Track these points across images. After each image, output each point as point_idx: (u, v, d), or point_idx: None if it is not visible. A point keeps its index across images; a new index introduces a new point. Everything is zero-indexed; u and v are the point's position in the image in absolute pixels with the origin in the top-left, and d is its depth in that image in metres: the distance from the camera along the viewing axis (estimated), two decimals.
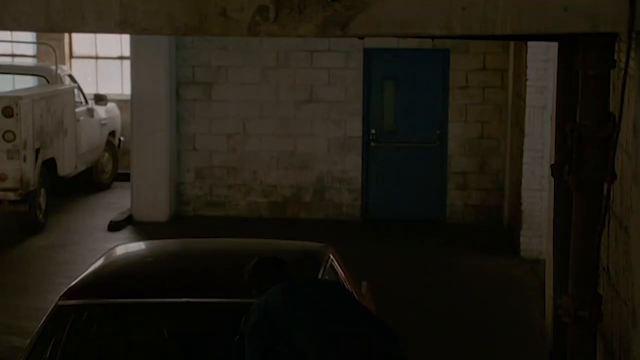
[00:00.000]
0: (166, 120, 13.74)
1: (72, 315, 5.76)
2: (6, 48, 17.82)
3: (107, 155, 16.16)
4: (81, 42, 18.03)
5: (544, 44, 10.22)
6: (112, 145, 16.36)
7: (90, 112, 15.35)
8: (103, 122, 15.84)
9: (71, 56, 18.10)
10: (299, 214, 14.01)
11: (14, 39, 17.30)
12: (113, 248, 6.86)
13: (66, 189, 14.91)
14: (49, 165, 13.30)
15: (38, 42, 17.22)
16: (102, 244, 12.02)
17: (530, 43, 11.02)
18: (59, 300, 5.72)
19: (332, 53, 13.76)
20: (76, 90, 14.82)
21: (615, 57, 4.77)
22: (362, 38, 5.29)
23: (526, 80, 11.60)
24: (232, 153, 14.04)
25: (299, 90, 13.84)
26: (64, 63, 17.12)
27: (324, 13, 4.51)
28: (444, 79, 13.72)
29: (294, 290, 4.79)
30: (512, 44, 13.00)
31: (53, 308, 5.70)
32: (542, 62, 11.39)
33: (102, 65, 18.14)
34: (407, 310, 9.81)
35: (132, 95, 13.92)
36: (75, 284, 5.90)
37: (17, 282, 10.95)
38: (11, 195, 12.22)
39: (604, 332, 5.76)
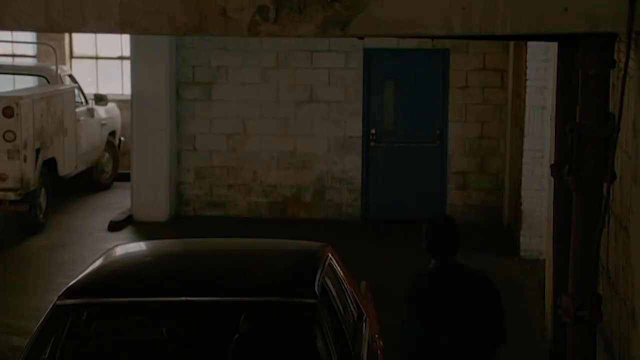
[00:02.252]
0: (166, 120, 13.75)
1: (71, 315, 5.77)
2: (7, 48, 17.82)
3: (107, 155, 16.17)
4: (81, 42, 18.04)
5: (543, 44, 10.22)
6: (113, 145, 16.36)
7: (91, 112, 15.35)
8: (103, 122, 15.84)
9: (71, 56, 18.11)
10: (299, 214, 14.01)
11: (15, 39, 17.31)
12: (112, 248, 6.87)
13: (66, 189, 14.91)
14: (49, 165, 13.30)
15: (38, 42, 17.23)
16: (102, 244, 12.02)
17: (530, 43, 11.02)
18: (57, 299, 5.72)
19: (332, 53, 13.76)
20: (76, 90, 14.82)
21: (615, 57, 4.77)
22: (362, 38, 5.29)
23: (526, 80, 11.60)
24: (232, 153, 14.05)
25: (299, 90, 13.85)
26: (64, 63, 17.12)
27: (324, 13, 4.51)
28: (443, 79, 13.72)
29: (438, 281, 5.69)
30: (512, 44, 13.00)
31: (52, 307, 5.70)
32: (542, 62, 11.39)
33: (103, 65, 18.15)
34: None
35: (132, 95, 13.93)
36: (74, 283, 5.90)
37: (18, 282, 10.96)
38: (11, 195, 12.23)
39: (604, 332, 5.76)
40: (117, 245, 7.30)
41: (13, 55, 18.05)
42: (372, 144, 13.90)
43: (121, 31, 4.76)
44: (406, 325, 5.59)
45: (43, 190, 13.12)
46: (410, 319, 5.58)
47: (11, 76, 14.89)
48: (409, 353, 5.54)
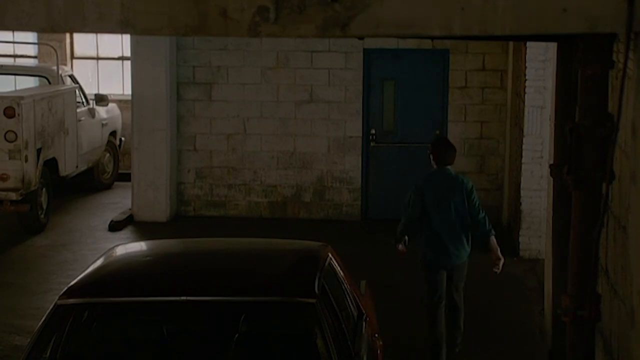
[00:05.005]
0: (167, 121, 13.77)
1: (72, 314, 5.79)
2: (8, 49, 17.84)
3: (108, 155, 16.20)
4: (82, 42, 18.07)
5: (543, 44, 10.24)
6: (113, 145, 16.39)
7: (91, 112, 15.38)
8: (104, 122, 15.87)
9: (72, 57, 18.13)
10: (299, 214, 14.03)
11: (16, 40, 17.33)
12: (113, 248, 6.88)
13: (67, 188, 14.94)
14: (51, 165, 13.32)
15: (39, 43, 17.25)
16: (102, 243, 12.05)
17: (529, 43, 11.04)
18: (58, 299, 5.74)
19: (332, 53, 13.78)
20: (77, 91, 14.84)
21: (614, 57, 4.79)
22: (362, 38, 5.30)
23: (525, 80, 11.62)
24: (232, 153, 14.07)
25: (299, 90, 13.87)
26: (65, 63, 17.15)
27: (324, 13, 4.52)
28: (443, 79, 13.74)
29: (433, 179, 8.33)
30: (511, 44, 13.02)
31: (53, 307, 5.72)
32: (541, 62, 11.41)
33: (103, 65, 18.17)
34: (407, 309, 9.83)
35: (132, 95, 13.95)
36: (75, 283, 5.92)
37: (19, 281, 10.98)
38: (13, 195, 12.24)
39: (603, 331, 5.78)
40: (117, 245, 7.32)
41: (14, 56, 18.07)
42: (372, 144, 13.92)
43: (122, 31, 4.78)
44: (407, 207, 8.37)
45: (44, 190, 13.15)
46: (411, 203, 8.31)
47: (12, 76, 14.91)
48: (405, 228, 8.35)
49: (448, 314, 8.54)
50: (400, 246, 8.41)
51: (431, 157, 8.36)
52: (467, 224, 8.29)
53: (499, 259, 8.37)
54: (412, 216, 8.29)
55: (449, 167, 8.33)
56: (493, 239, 8.37)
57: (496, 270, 8.47)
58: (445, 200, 8.23)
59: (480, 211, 8.30)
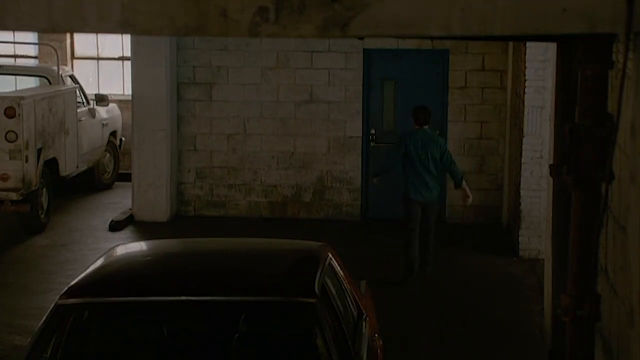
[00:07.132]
0: (167, 121, 13.78)
1: (73, 314, 5.80)
2: (8, 49, 17.85)
3: (108, 155, 16.21)
4: (83, 42, 18.08)
5: (542, 44, 10.25)
6: (114, 145, 16.40)
7: (92, 112, 15.39)
8: (104, 122, 15.88)
9: (73, 57, 18.13)
10: (299, 214, 14.04)
11: (16, 40, 17.34)
12: (113, 247, 6.89)
13: (68, 188, 14.94)
14: (51, 165, 13.33)
15: (40, 43, 17.26)
16: (103, 243, 12.06)
17: (529, 43, 11.05)
18: (59, 299, 5.75)
19: (332, 53, 13.79)
20: (78, 91, 14.85)
21: (614, 57, 4.79)
22: (361, 38, 5.32)
23: (525, 80, 11.63)
24: (232, 153, 14.08)
25: (299, 90, 13.88)
26: (65, 64, 17.15)
27: (324, 14, 4.53)
28: (443, 80, 13.75)
29: (416, 133, 10.73)
30: (511, 44, 13.03)
31: (53, 307, 5.72)
32: (540, 62, 11.42)
33: (104, 65, 18.18)
34: (406, 309, 9.84)
35: (133, 95, 13.96)
36: (76, 283, 5.93)
37: (19, 281, 10.99)
38: (13, 195, 12.25)
39: (602, 331, 5.79)
40: (118, 245, 7.33)
41: (15, 56, 18.08)
42: (372, 144, 13.92)
43: (122, 31, 4.78)
44: (391, 153, 11.03)
45: (44, 190, 13.16)
46: (394, 151, 10.85)
47: (13, 77, 14.92)
48: (386, 164, 11.06)
49: (421, 237, 10.74)
50: (377, 179, 11.11)
51: (413, 119, 10.84)
52: (440, 170, 10.73)
53: (468, 197, 10.97)
54: (394, 156, 10.81)
55: (426, 127, 10.76)
56: (464, 182, 10.87)
57: (465, 204, 11.43)
58: (424, 150, 10.64)
59: (453, 162, 10.80)
